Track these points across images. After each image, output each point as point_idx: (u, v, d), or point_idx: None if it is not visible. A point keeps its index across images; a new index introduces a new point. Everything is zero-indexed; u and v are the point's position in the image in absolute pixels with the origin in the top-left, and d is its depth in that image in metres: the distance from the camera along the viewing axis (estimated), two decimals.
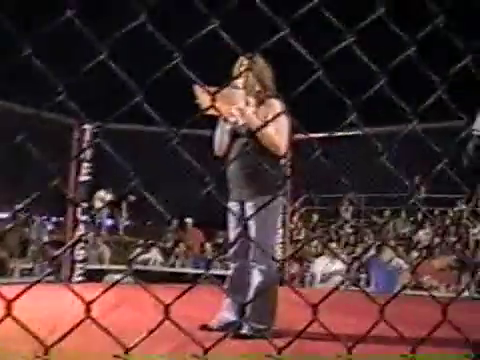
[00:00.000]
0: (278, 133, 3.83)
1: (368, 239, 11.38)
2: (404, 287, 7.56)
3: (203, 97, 3.58)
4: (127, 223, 12.98)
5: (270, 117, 3.73)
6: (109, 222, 14.06)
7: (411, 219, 12.34)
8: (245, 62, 3.88)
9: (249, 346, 3.32)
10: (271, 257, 3.82)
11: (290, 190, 8.89)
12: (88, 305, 1.23)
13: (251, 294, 3.80)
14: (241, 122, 3.83)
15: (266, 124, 3.49)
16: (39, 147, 1.28)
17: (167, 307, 1.29)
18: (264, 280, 3.76)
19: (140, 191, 1.34)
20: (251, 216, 3.71)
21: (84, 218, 8.09)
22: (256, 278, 3.80)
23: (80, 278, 7.99)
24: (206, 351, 1.32)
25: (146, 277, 9.28)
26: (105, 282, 8.83)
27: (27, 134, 1.23)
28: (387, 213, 12.54)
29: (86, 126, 8.04)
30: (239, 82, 3.91)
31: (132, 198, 12.17)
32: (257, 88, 3.94)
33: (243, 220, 3.90)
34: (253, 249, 3.81)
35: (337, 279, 9.03)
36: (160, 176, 10.00)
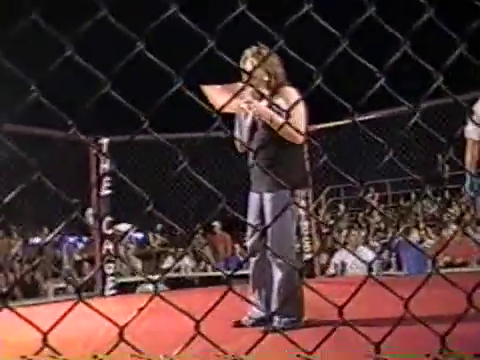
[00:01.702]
0: (294, 121, 3.70)
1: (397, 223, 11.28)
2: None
3: (214, 96, 3.61)
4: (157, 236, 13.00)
5: (284, 105, 3.74)
6: (139, 236, 14.12)
7: (438, 199, 12.18)
8: (249, 55, 3.90)
9: (283, 339, 3.29)
10: (289, 250, 3.79)
11: (313, 183, 8.82)
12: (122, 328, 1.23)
13: (275, 288, 3.78)
14: (251, 114, 3.84)
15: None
16: (58, 167, 1.28)
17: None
18: (285, 273, 3.74)
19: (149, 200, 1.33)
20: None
21: (110, 232, 8.13)
22: (277, 272, 3.78)
23: (113, 291, 8.03)
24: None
25: (180, 284, 9.33)
26: (138, 293, 8.90)
27: (44, 158, 1.23)
28: (413, 196, 12.43)
29: (102, 140, 8.07)
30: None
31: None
32: (266, 78, 3.90)
33: (261, 212, 3.91)
34: (271, 242, 3.76)
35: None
36: (184, 184, 10.02)
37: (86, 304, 1.25)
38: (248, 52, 3.90)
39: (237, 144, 4.06)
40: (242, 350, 1.39)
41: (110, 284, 8.01)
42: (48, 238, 8.24)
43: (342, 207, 12.89)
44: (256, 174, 3.95)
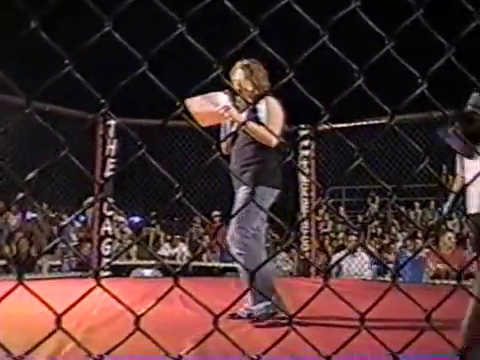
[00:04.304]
0: (269, 126, 4.09)
1: (395, 231, 11.25)
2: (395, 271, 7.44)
3: (195, 110, 3.95)
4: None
5: (263, 112, 4.17)
6: (137, 219, 14.13)
7: (439, 209, 12.14)
8: (238, 67, 4.30)
9: (270, 334, 3.32)
10: (244, 237, 4.01)
11: (315, 182, 8.83)
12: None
13: (244, 279, 4.05)
14: (229, 120, 4.16)
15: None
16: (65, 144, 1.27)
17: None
18: (245, 261, 3.93)
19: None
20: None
21: (110, 214, 8.13)
22: (239, 264, 4.07)
23: (107, 273, 8.03)
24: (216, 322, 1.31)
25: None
26: (132, 277, 8.90)
27: (55, 134, 1.23)
28: (417, 204, 12.41)
29: (110, 122, 8.07)
30: (236, 88, 4.29)
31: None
32: (250, 88, 4.31)
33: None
34: (231, 231, 4.08)
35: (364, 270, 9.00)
36: (188, 171, 9.99)
37: (103, 288, 1.24)
38: (238, 64, 4.31)
39: (222, 146, 4.34)
40: (237, 341, 1.39)
41: (105, 266, 8.01)
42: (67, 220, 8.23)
43: (342, 209, 12.88)
44: (235, 174, 4.25)
